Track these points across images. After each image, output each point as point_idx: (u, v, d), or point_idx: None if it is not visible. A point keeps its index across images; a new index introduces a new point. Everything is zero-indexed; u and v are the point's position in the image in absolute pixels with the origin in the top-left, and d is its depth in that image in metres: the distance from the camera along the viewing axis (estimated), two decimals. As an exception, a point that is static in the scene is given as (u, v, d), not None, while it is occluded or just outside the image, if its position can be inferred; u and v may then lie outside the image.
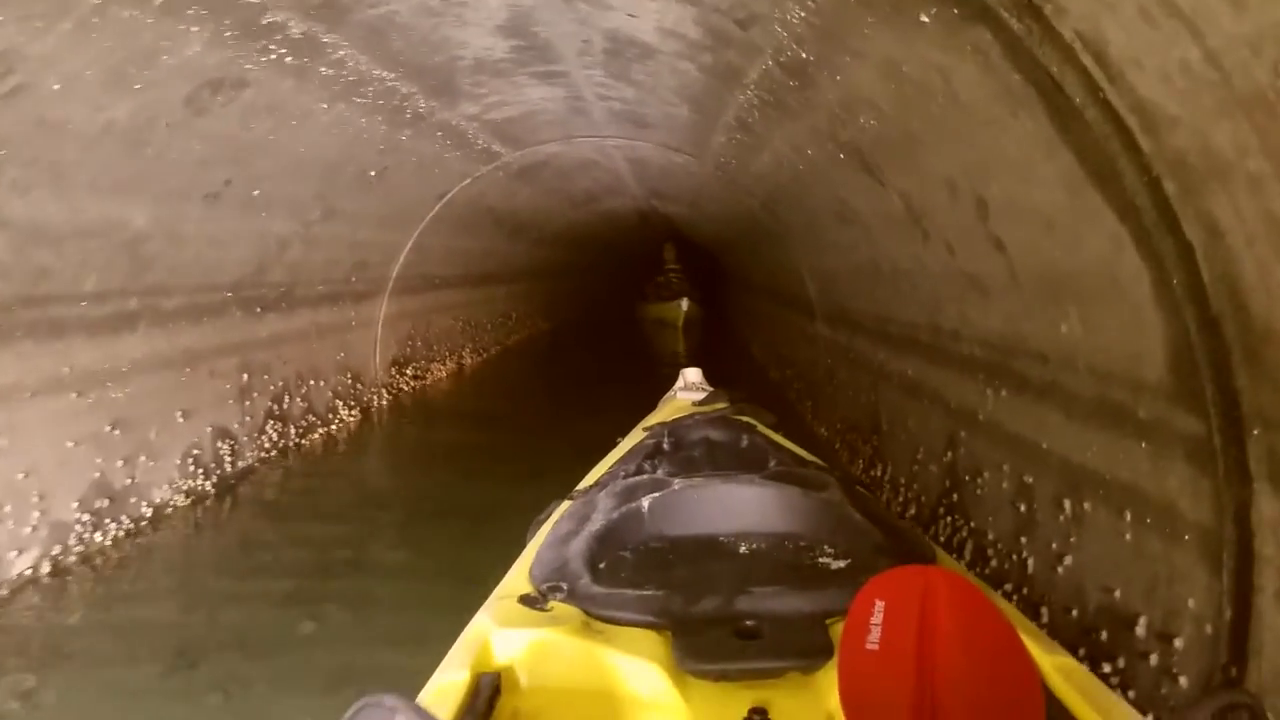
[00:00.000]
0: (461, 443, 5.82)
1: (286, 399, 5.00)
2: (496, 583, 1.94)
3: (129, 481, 3.64)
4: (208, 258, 3.91)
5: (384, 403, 6.52)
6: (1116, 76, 1.51)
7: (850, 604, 1.40)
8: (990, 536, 2.94)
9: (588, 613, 1.66)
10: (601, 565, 1.94)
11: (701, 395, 4.12)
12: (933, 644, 1.34)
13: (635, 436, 3.32)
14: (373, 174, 4.88)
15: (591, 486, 2.57)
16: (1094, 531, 2.22)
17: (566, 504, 2.45)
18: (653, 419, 3.71)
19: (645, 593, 1.71)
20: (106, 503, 3.49)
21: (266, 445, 4.76)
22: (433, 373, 7.82)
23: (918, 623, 1.37)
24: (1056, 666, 1.41)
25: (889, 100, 2.49)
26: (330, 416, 5.58)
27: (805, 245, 5.72)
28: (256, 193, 3.97)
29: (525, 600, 1.72)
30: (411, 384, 7.18)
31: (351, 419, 5.84)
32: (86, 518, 3.37)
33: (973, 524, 3.12)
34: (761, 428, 3.33)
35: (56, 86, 2.51)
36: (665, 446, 2.98)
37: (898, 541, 1.99)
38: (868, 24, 2.15)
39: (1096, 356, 2.11)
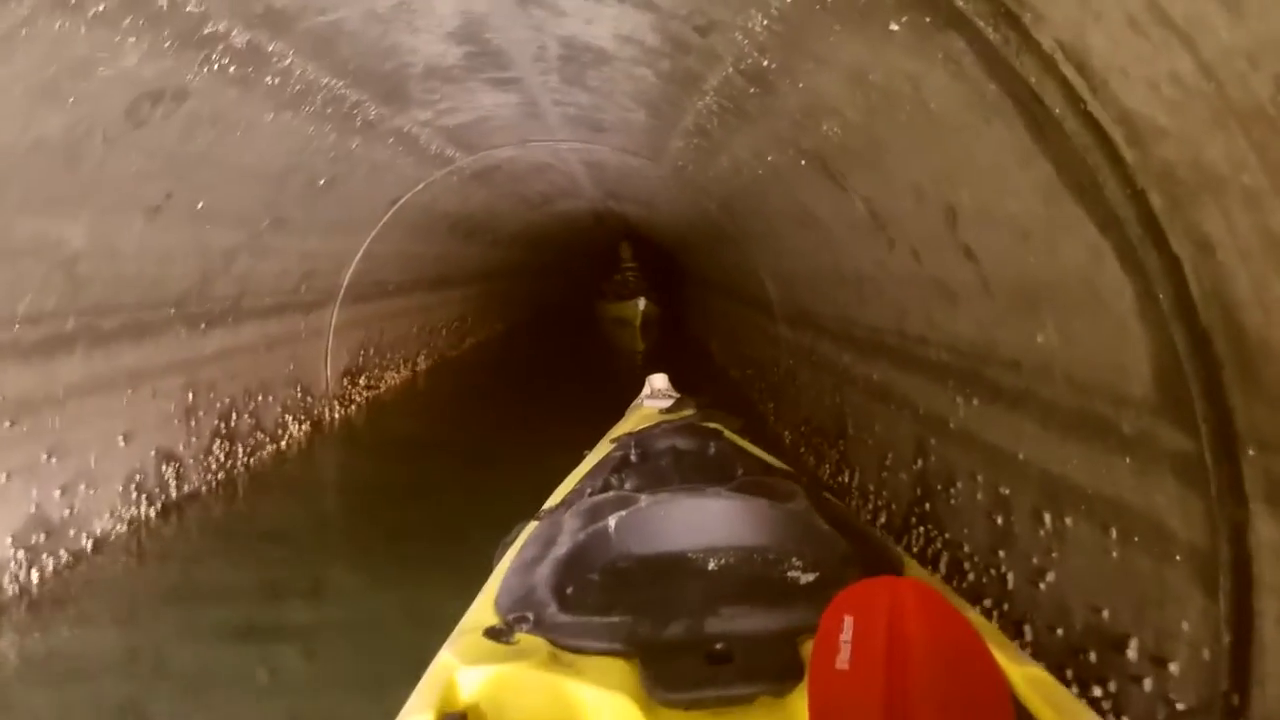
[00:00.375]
0: (416, 455, 5.68)
1: (234, 416, 4.81)
2: (461, 610, 1.89)
3: (67, 513, 3.45)
4: (149, 274, 3.72)
5: (336, 415, 6.33)
6: (1100, 86, 1.48)
7: (819, 620, 1.38)
8: (966, 549, 2.93)
9: (555, 643, 1.62)
10: (569, 591, 1.90)
11: (669, 402, 4.09)
12: (902, 657, 1.33)
13: (603, 449, 3.28)
14: (322, 182, 4.72)
15: (558, 505, 2.53)
16: (1077, 547, 2.21)
17: (533, 525, 2.41)
18: (620, 429, 3.69)
19: (613, 619, 1.69)
20: (43, 536, 3.30)
21: (213, 466, 4.57)
22: (386, 381, 7.64)
23: (886, 636, 1.36)
24: (1025, 677, 1.41)
25: (854, 107, 2.46)
26: (279, 433, 5.39)
27: (764, 247, 5.70)
28: (200, 205, 3.80)
29: (491, 633, 1.68)
30: (364, 394, 7.00)
31: (302, 434, 5.65)
32: (21, 554, 3.18)
33: (947, 535, 3.11)
34: (728, 433, 3.31)
35: (-22, 100, 2.35)
36: (632, 458, 2.95)
37: (866, 551, 1.97)
38: (833, 32, 2.11)
39: (1075, 367, 2.09)
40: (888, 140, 2.42)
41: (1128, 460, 1.96)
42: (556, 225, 12.68)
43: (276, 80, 3.33)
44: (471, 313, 11.50)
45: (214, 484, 4.53)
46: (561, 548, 2.07)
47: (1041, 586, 2.42)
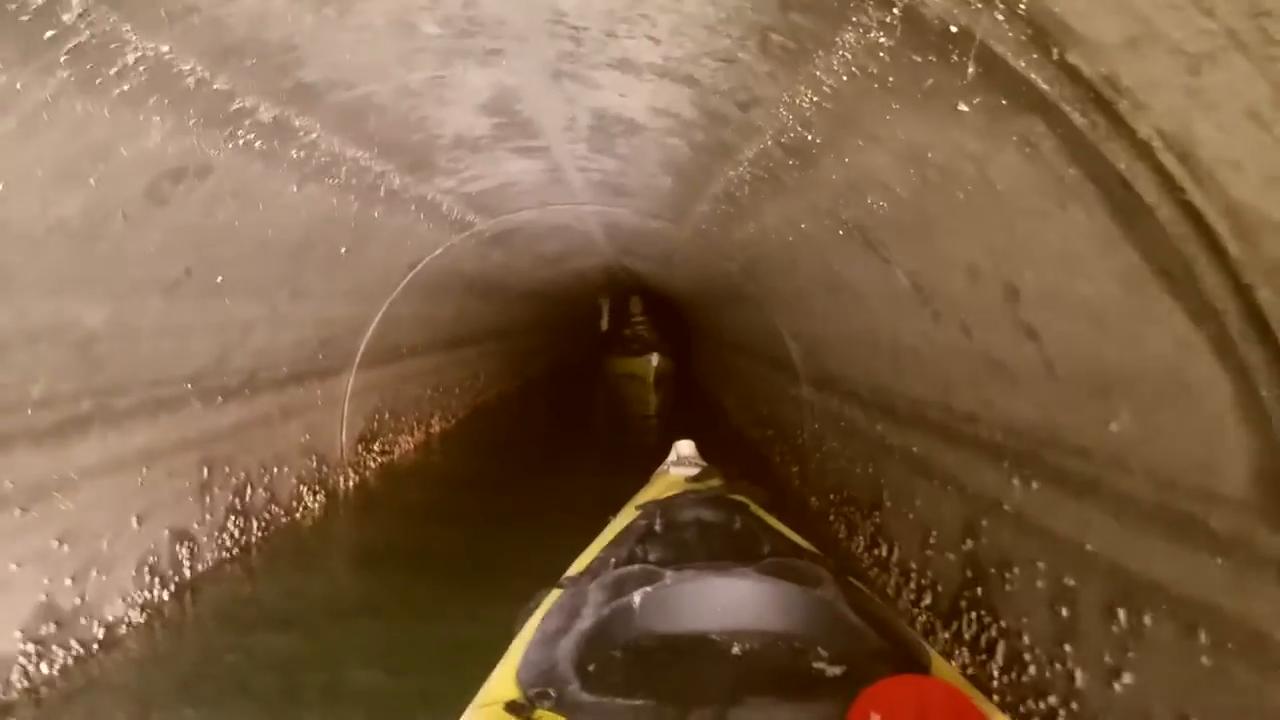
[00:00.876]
0: (431, 525, 5.54)
1: (249, 491, 4.68)
2: (482, 678, 1.87)
3: (78, 601, 3.30)
4: (165, 350, 3.63)
5: (350, 484, 6.19)
6: (1205, 178, 1.37)
7: (845, 716, 1.37)
8: (1026, 639, 2.75)
9: None
10: (591, 668, 1.88)
11: (694, 470, 4.06)
12: None
13: (628, 515, 3.24)
14: (343, 250, 4.66)
15: (582, 574, 2.50)
16: (1158, 648, 2.05)
17: (556, 593, 2.38)
18: (645, 495, 3.65)
19: (636, 703, 1.66)
20: (53, 628, 3.14)
21: (228, 543, 4.43)
22: (400, 445, 7.51)
23: None
24: None
25: (905, 184, 2.37)
26: (294, 505, 5.25)
27: (788, 309, 5.60)
28: (219, 279, 3.72)
29: (512, 708, 1.66)
30: (379, 459, 6.86)
31: (316, 504, 5.51)
32: (31, 648, 3.03)
33: (1003, 623, 2.93)
34: (754, 508, 3.28)
35: None
36: (657, 528, 2.93)
37: (894, 646, 1.93)
38: (891, 111, 2.03)
39: (1156, 460, 1.95)
40: (940, 217, 2.32)
41: (1219, 561, 1.81)
42: (569, 280, 12.67)
43: (301, 154, 3.27)
44: (485, 371, 11.41)
45: (228, 562, 4.37)
46: (585, 621, 2.03)
47: (1117, 687, 2.25)
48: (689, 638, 2.11)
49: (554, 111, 3.43)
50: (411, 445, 7.84)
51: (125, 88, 2.27)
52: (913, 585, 3.85)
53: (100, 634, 3.38)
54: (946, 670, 1.96)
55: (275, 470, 5.01)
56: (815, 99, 2.16)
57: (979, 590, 3.15)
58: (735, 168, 3.45)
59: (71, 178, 2.47)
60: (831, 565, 2.52)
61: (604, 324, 16.66)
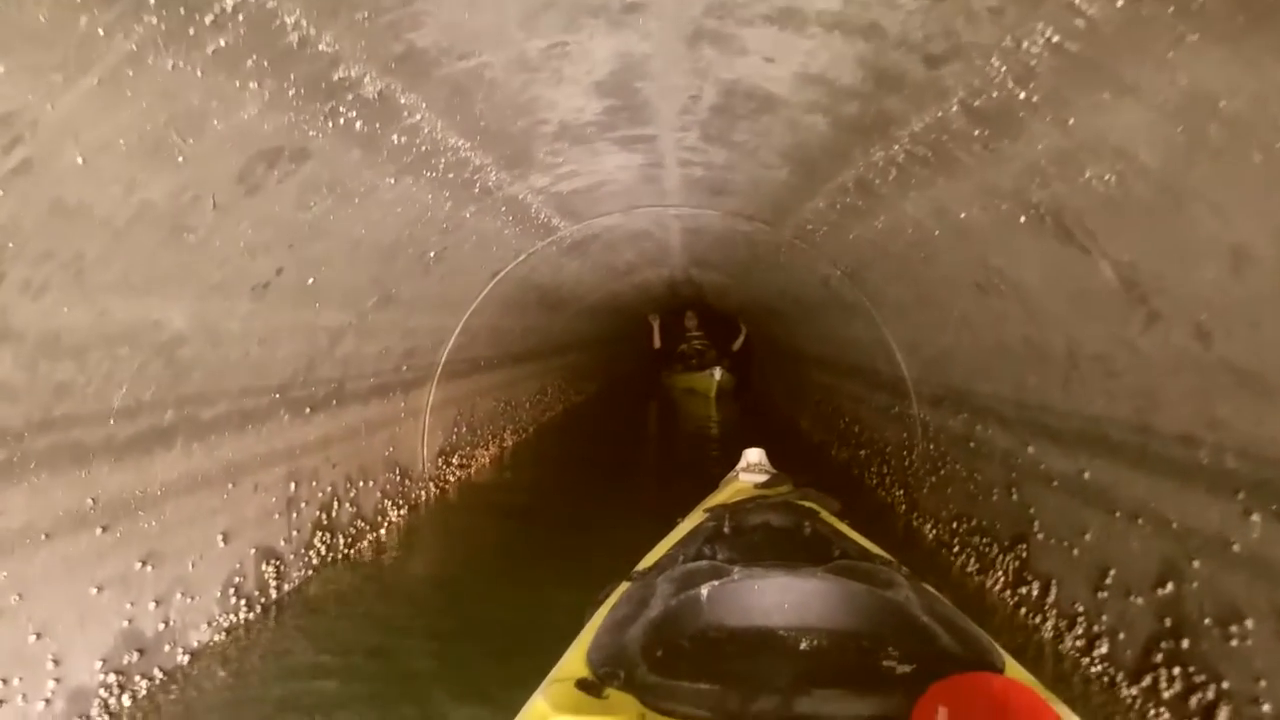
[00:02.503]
0: (513, 540, 5.29)
1: (335, 506, 4.41)
2: (554, 660, 1.90)
3: (162, 626, 3.03)
4: (254, 357, 3.37)
5: (431, 497, 5.91)
6: None
7: (912, 711, 1.36)
8: (1267, 708, 2.28)
9: (644, 703, 1.63)
10: (659, 653, 1.90)
11: (764, 477, 3.98)
12: None
13: (696, 517, 3.24)
14: (432, 255, 4.38)
15: (650, 569, 2.53)
16: None
17: (625, 585, 2.41)
18: (714, 500, 3.63)
19: (702, 686, 1.66)
20: (136, 656, 2.87)
21: (314, 561, 4.15)
22: (476, 459, 7.23)
23: None
24: None
25: (1158, 148, 1.94)
26: (379, 519, 4.97)
27: (906, 318, 5.15)
28: (311, 281, 3.45)
29: (582, 685, 1.70)
30: (457, 473, 6.58)
31: (400, 519, 5.23)
32: (112, 679, 2.76)
33: (1226, 684, 2.45)
34: (825, 515, 3.23)
35: (78, 160, 1.99)
36: (725, 530, 2.90)
37: (967, 647, 1.91)
38: (1179, 45, 1.60)
39: None
40: (1202, 189, 1.89)
41: None
42: (633, 294, 12.35)
43: (403, 139, 2.98)
44: (551, 385, 11.13)
45: (313, 580, 4.09)
46: (654, 610, 2.05)
47: None
48: (756, 631, 2.11)
49: (676, 90, 3.08)
50: (487, 459, 7.56)
51: (221, 43, 1.98)
52: (1079, 631, 3.37)
53: (185, 661, 3.11)
54: (1021, 673, 1.88)
55: (361, 484, 4.74)
56: (1056, 38, 1.76)
57: (1183, 643, 2.67)
58: (887, 147, 3.05)
59: (159, 154, 2.19)
60: (904, 570, 2.45)
61: (656, 341, 16.29)
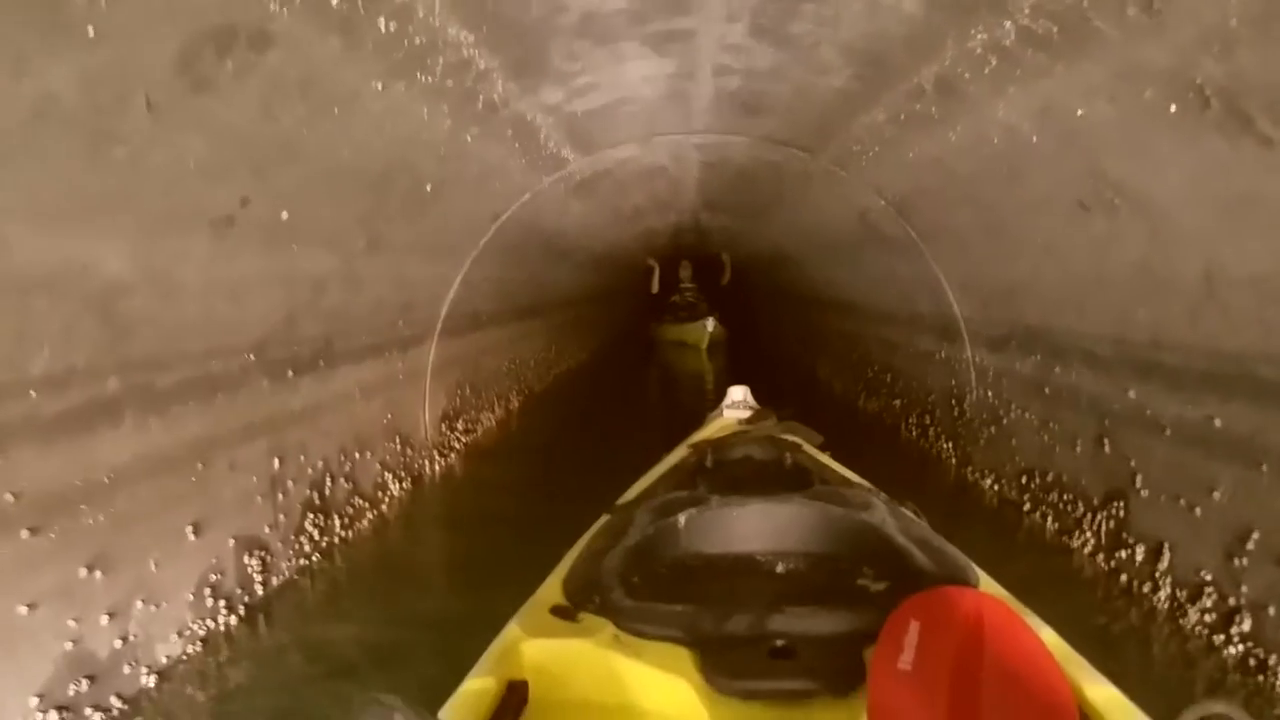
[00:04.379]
0: (525, 511, 4.67)
1: (329, 483, 3.85)
2: (531, 591, 1.90)
3: (119, 644, 2.47)
4: (220, 312, 2.77)
5: (436, 467, 5.35)
6: None
7: (884, 626, 1.41)
8: None
9: (618, 625, 1.63)
10: (635, 579, 1.89)
11: (748, 413, 4.00)
12: (969, 667, 1.31)
13: (679, 453, 3.25)
14: (429, 188, 3.76)
15: (631, 501, 2.52)
16: None
17: (606, 518, 2.39)
18: (698, 436, 3.64)
19: (676, 608, 1.67)
20: (85, 684, 2.32)
21: (306, 548, 3.60)
22: (482, 423, 6.67)
23: (955, 645, 1.34)
24: (1097, 696, 1.34)
25: None
26: (379, 495, 4.42)
27: (964, 251, 4.56)
28: (285, 216, 2.84)
29: (557, 611, 1.71)
30: (463, 439, 6.02)
31: (403, 493, 4.68)
32: (54, 717, 2.21)
33: None
34: (807, 447, 3.22)
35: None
36: (708, 464, 2.90)
37: (942, 564, 1.91)
38: None
39: None
40: None
41: None
42: (635, 243, 11.72)
43: (392, 26, 2.35)
44: (556, 342, 10.54)
45: (307, 572, 3.55)
46: (631, 539, 2.05)
47: None
48: (733, 557, 2.13)
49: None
50: (494, 423, 7.00)
51: None
52: (1206, 604, 2.85)
53: (150, 682, 2.56)
54: (995, 588, 1.88)
55: (357, 456, 4.17)
56: None
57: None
58: (996, 25, 2.43)
59: (57, 23, 1.57)
60: (882, 496, 2.43)
61: (655, 286, 15.65)
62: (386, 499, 4.46)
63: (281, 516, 3.42)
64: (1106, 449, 3.55)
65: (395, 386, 4.68)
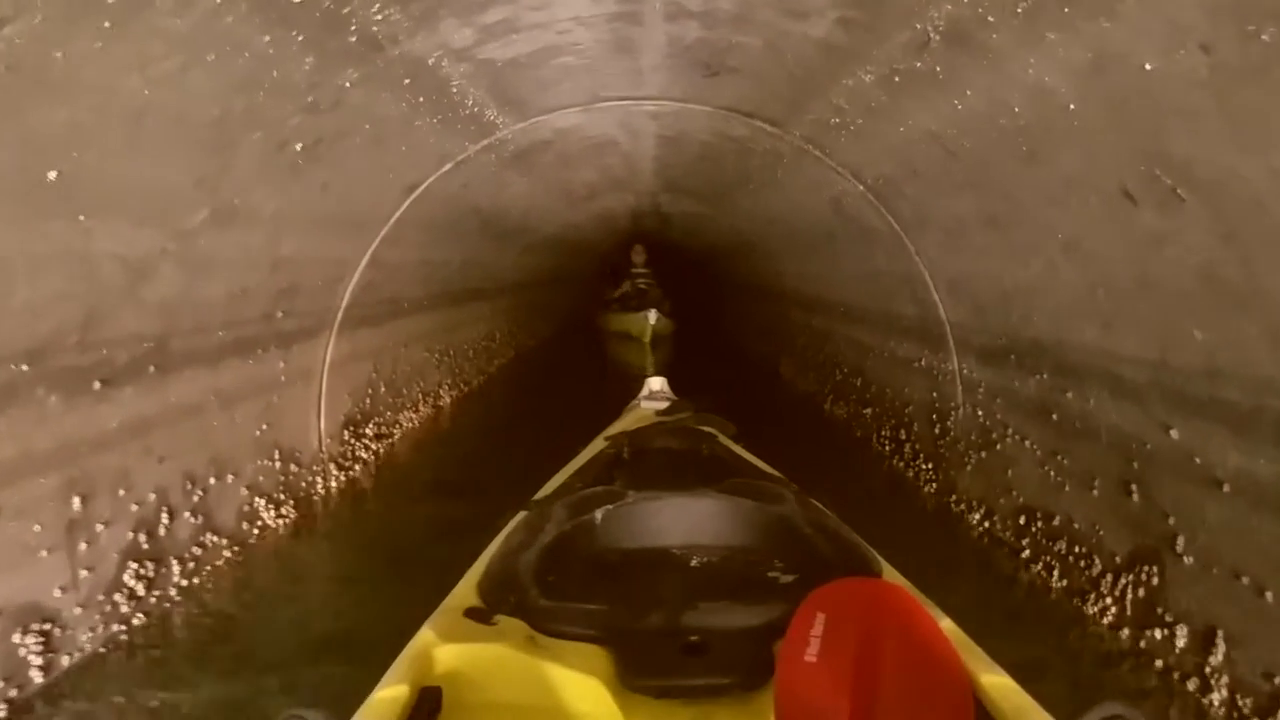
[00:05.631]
0: (448, 530, 3.83)
1: (164, 520, 3.03)
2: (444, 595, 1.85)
3: None
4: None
5: (334, 484, 4.54)
6: None
7: (793, 617, 1.44)
8: None
9: (534, 626, 1.63)
10: (551, 578, 1.86)
11: (665, 404, 3.95)
12: (872, 656, 1.34)
13: (596, 446, 3.24)
14: (298, 148, 2.94)
15: (548, 497, 2.51)
16: None
17: (522, 514, 2.37)
18: (615, 428, 3.58)
19: (592, 607, 1.68)
20: None
21: (124, 609, 2.79)
22: (401, 425, 5.86)
23: (858, 635, 1.38)
24: (992, 684, 1.39)
25: None
26: (245, 528, 3.61)
27: (957, 245, 3.86)
28: (54, 175, 2.02)
29: (471, 613, 1.70)
30: (373, 447, 5.21)
31: (281, 523, 3.86)
32: None
33: None
34: (723, 438, 3.27)
35: None
36: (625, 456, 2.92)
37: (847, 555, 1.97)
38: None
39: None
40: None
41: None
42: (591, 226, 10.93)
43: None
44: (501, 329, 9.73)
45: (121, 642, 2.74)
46: (547, 537, 2.05)
47: None
48: (649, 552, 2.14)
49: None
50: (417, 423, 6.19)
51: None
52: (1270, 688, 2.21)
53: None
54: (897, 577, 1.91)
55: (212, 482, 3.36)
56: None
57: None
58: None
59: None
60: (794, 489, 2.46)
61: (616, 292, 14.70)
62: (256, 531, 3.65)
63: (84, 572, 2.61)
64: (1134, 497, 2.89)
65: (273, 390, 3.86)
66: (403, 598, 2.16)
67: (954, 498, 4.34)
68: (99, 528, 2.69)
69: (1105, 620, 2.96)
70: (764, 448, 3.38)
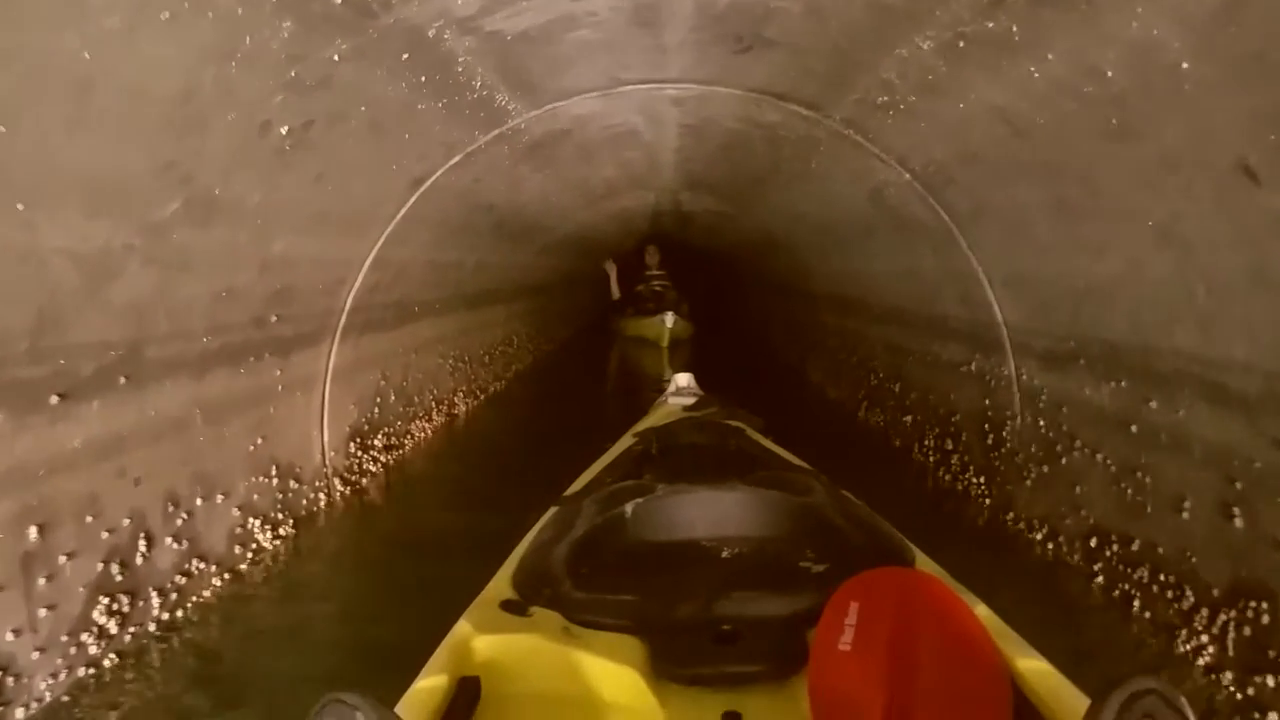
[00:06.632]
0: (454, 542, 3.62)
1: (142, 548, 2.72)
2: (480, 588, 1.88)
3: None
4: None
5: (338, 498, 4.23)
6: None
7: (825, 607, 1.46)
8: None
9: (568, 618, 1.65)
10: (583, 571, 1.89)
11: (692, 400, 4.01)
12: (907, 645, 1.34)
13: (625, 442, 3.25)
14: (284, 130, 2.62)
15: (578, 492, 2.53)
16: None
17: (553, 510, 2.39)
18: (643, 424, 3.62)
19: (624, 598, 1.71)
20: None
21: (93, 650, 2.48)
22: (413, 435, 5.55)
23: (892, 624, 1.38)
24: (1029, 669, 1.38)
25: None
26: (239, 552, 3.30)
27: (1020, 237, 3.48)
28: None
29: (506, 606, 1.73)
30: (383, 458, 4.90)
31: (279, 545, 3.55)
32: None
33: None
34: (750, 432, 3.27)
35: None
36: (653, 452, 2.92)
37: (878, 544, 1.99)
38: None
39: None
40: None
41: None
42: (610, 226, 10.60)
43: None
44: (519, 333, 9.42)
45: (89, 685, 2.43)
46: (579, 530, 2.09)
47: None
48: (679, 545, 2.15)
49: None
50: (429, 433, 5.88)
51: None
52: None
53: None
54: (931, 566, 1.91)
55: (198, 503, 3.05)
56: None
57: None
58: None
59: None
60: (823, 479, 2.45)
61: (615, 292, 14.31)
62: (250, 555, 3.34)
63: (43, 611, 2.30)
64: (1237, 522, 2.50)
65: (269, 401, 3.55)
66: (410, 624, 1.93)
67: (1011, 515, 3.95)
68: (61, 560, 2.38)
69: (1201, 661, 2.58)
70: (794, 450, 3.25)
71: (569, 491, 2.61)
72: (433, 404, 6.06)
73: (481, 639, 1.58)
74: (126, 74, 1.91)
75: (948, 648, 1.34)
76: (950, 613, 1.41)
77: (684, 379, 4.43)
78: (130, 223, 2.31)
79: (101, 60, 1.81)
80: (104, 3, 1.67)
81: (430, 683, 1.41)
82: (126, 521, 2.66)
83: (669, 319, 11.66)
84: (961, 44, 2.53)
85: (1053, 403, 3.64)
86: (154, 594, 2.76)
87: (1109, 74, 2.20)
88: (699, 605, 1.65)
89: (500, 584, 1.90)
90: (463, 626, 1.64)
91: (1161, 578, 2.83)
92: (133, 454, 2.67)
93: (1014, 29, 2.29)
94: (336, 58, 2.46)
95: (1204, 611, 2.61)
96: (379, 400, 4.94)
